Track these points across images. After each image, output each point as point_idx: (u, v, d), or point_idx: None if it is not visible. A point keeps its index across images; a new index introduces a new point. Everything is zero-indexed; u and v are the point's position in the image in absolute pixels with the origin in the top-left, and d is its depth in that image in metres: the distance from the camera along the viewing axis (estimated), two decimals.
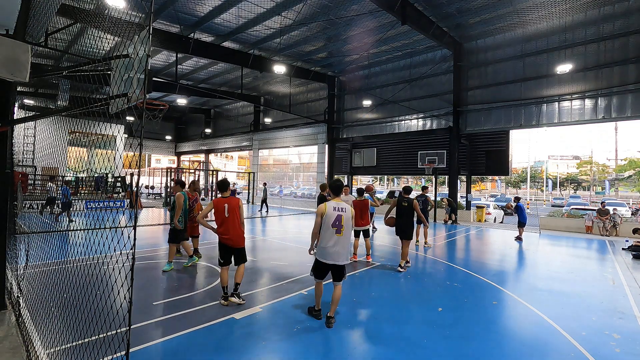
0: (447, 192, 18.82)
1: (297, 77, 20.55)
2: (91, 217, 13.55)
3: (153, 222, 13.79)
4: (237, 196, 5.29)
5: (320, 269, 4.43)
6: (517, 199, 12.17)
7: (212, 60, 18.63)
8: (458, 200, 17.28)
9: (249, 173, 24.58)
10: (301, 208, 23.10)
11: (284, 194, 31.37)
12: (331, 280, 4.50)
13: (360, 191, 8.36)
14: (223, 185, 5.17)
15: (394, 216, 7.51)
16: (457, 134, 16.70)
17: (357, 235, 8.06)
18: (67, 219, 12.28)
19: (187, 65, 21.15)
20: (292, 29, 15.31)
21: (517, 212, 11.86)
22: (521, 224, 11.74)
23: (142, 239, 9.79)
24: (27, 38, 4.63)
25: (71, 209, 12.47)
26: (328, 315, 4.37)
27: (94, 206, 16.37)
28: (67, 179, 14.35)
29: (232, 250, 4.95)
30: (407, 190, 7.60)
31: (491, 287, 6.20)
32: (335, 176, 23.86)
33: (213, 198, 24.65)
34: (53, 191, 13.21)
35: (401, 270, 7.13)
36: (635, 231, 11.48)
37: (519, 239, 11.66)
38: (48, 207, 13.25)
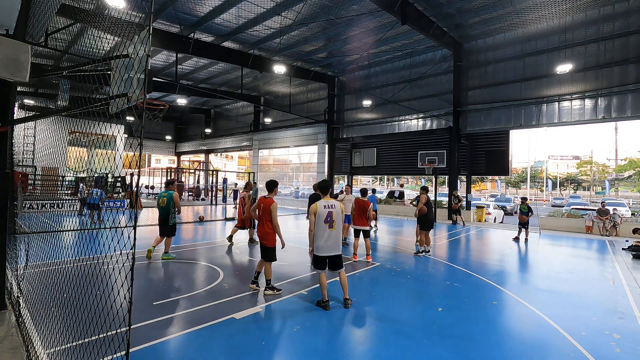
0: (447, 192, 18.81)
1: (297, 77, 20.54)
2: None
3: (153, 222, 13.78)
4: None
5: (318, 261, 4.90)
6: (524, 199, 12.00)
7: (212, 60, 18.62)
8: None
9: (249, 173, 24.59)
10: (301, 208, 23.09)
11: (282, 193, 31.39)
12: (337, 278, 5.18)
13: (363, 191, 8.42)
14: (268, 186, 5.59)
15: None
16: (457, 134, 16.70)
17: (357, 235, 8.07)
18: (100, 219, 12.10)
19: (187, 65, 21.14)
20: (292, 29, 15.31)
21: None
22: (521, 224, 11.70)
23: (142, 239, 9.79)
24: (27, 38, 4.63)
25: (86, 209, 12.30)
26: (344, 298, 5.02)
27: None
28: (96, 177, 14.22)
29: (260, 244, 5.47)
30: (427, 189, 9.06)
31: (491, 287, 6.20)
32: (335, 176, 23.88)
33: (215, 198, 24.71)
34: (84, 192, 13.22)
35: (420, 254, 8.70)
36: (635, 231, 11.48)
37: (517, 239, 11.66)
38: (84, 209, 13.23)
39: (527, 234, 11.67)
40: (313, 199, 8.08)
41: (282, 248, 5.45)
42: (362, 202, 8.02)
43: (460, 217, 15.98)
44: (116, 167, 21.17)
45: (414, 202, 10.25)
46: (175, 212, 7.45)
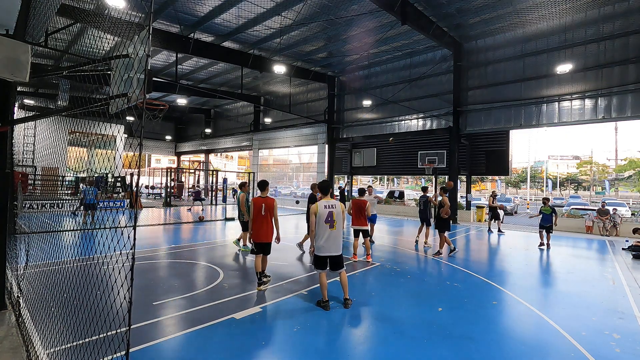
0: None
1: (297, 77, 20.53)
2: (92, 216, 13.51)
3: (153, 222, 13.79)
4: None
5: (319, 261, 4.90)
6: (546, 200, 10.89)
7: (212, 60, 18.62)
8: (458, 200, 17.22)
9: (249, 173, 24.58)
10: (302, 208, 23.07)
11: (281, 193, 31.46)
12: (337, 278, 5.22)
13: (361, 191, 8.44)
14: (262, 185, 5.89)
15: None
16: (457, 134, 16.69)
17: (356, 235, 8.07)
18: (92, 220, 12.03)
19: (187, 65, 21.13)
20: (292, 29, 15.30)
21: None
22: (542, 227, 10.47)
23: (142, 239, 9.79)
24: (27, 38, 4.63)
25: (95, 210, 12.18)
26: (345, 298, 5.01)
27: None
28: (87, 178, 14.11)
29: (261, 242, 5.70)
30: (445, 189, 9.02)
31: (491, 287, 6.20)
32: (336, 176, 23.89)
33: (216, 197, 24.74)
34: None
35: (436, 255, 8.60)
36: (635, 231, 11.47)
37: (542, 245, 10.44)
38: (81, 208, 13.19)
39: (549, 238, 10.37)
40: (311, 199, 8.16)
41: (277, 243, 5.87)
42: (358, 201, 8.04)
43: (495, 222, 13.66)
44: (116, 167, 21.16)
45: (433, 202, 9.78)
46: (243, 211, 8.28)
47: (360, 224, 8.00)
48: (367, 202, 8.07)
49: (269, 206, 5.65)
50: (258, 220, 5.65)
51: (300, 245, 8.85)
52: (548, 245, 10.33)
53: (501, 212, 14.50)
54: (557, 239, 12.32)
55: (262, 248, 5.72)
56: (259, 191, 5.97)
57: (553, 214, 10.27)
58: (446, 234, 8.93)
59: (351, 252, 8.05)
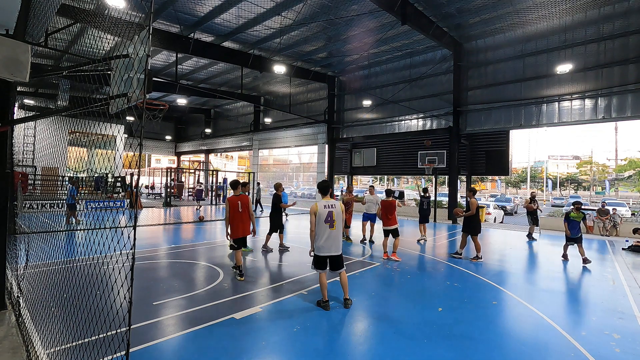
0: (447, 192, 18.80)
1: (297, 77, 20.53)
2: (91, 217, 13.55)
3: (153, 222, 13.79)
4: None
5: (319, 261, 4.92)
6: (578, 204, 8.53)
7: (212, 60, 18.61)
8: (458, 200, 17.22)
9: (249, 173, 24.58)
10: (301, 208, 23.07)
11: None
12: (337, 278, 5.25)
13: (388, 192, 8.62)
14: (234, 185, 6.43)
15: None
16: (457, 134, 16.69)
17: (386, 235, 8.40)
18: (67, 221, 11.94)
19: (187, 65, 21.13)
20: (292, 29, 15.30)
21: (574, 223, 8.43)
22: (571, 240, 8.44)
23: (142, 239, 9.79)
24: (27, 38, 4.63)
25: (75, 210, 12.15)
26: (345, 298, 5.03)
27: (94, 206, 16.38)
28: (69, 177, 14.06)
29: (243, 237, 6.29)
30: (475, 190, 8.68)
31: (491, 287, 6.19)
32: (335, 176, 23.90)
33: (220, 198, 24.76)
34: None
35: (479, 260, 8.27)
36: (635, 231, 11.47)
37: (566, 257, 8.74)
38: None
39: (583, 252, 8.25)
40: (275, 198, 8.79)
41: (253, 236, 6.63)
42: (385, 202, 8.33)
43: (533, 227, 11.97)
44: (116, 167, 21.18)
45: (462, 212, 8.55)
46: None
47: (387, 224, 8.25)
48: (395, 201, 8.33)
49: (244, 203, 6.24)
50: (236, 218, 6.17)
51: (282, 246, 8.98)
52: (586, 259, 8.10)
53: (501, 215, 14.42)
54: (557, 239, 12.31)
55: (241, 240, 6.27)
56: (231, 191, 6.49)
57: (583, 221, 8.37)
58: (477, 236, 8.45)
59: (356, 254, 8.08)
